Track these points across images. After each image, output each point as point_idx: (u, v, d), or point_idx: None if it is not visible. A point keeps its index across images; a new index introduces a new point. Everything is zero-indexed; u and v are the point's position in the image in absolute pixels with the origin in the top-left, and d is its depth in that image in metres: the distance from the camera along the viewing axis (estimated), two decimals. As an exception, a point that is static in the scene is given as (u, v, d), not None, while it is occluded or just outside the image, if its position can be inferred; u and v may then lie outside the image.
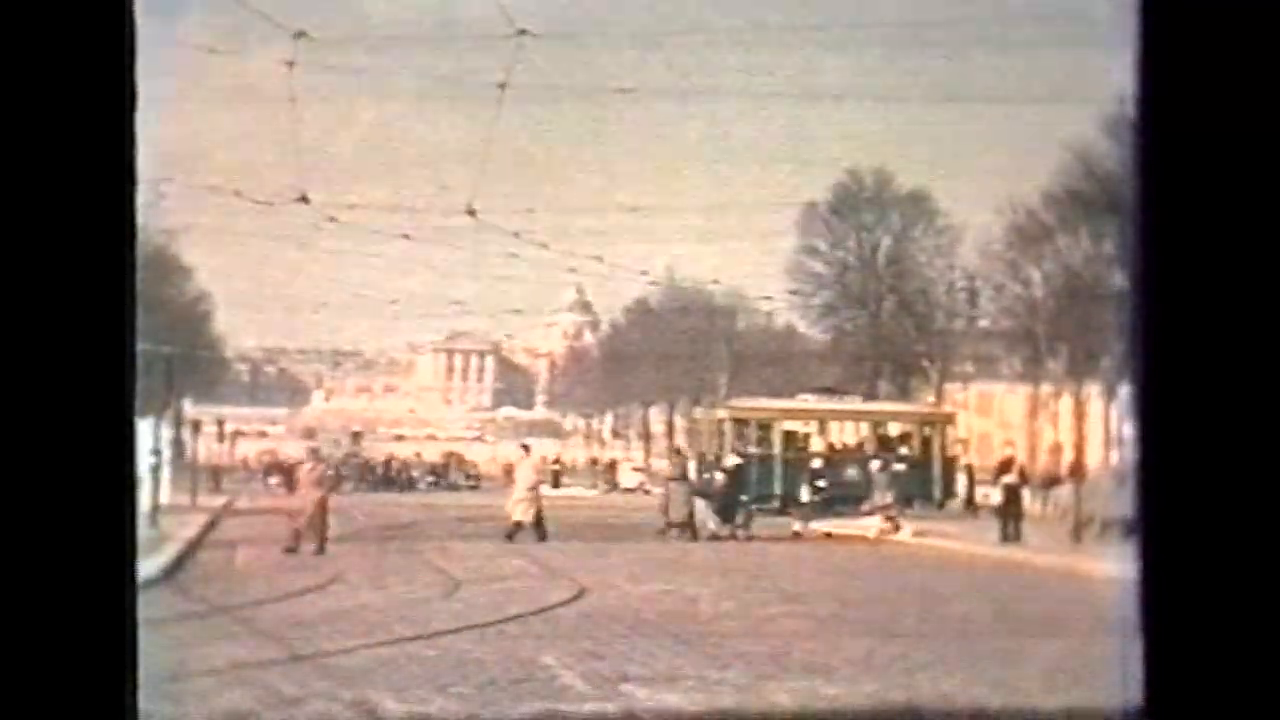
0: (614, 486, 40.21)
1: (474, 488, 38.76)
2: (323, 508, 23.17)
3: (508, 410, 46.31)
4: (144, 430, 28.09)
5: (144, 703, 4.85)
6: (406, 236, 28.78)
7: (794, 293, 38.11)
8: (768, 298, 38.46)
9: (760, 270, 36.67)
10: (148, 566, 18.85)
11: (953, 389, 39.18)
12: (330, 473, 29.16)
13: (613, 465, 42.09)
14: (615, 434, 45.06)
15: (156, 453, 26.16)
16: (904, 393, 38.33)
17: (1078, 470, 30.28)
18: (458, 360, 45.94)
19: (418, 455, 41.20)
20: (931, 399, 37.84)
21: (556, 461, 42.09)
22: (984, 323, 38.89)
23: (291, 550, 22.21)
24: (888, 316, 38.43)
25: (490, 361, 45.84)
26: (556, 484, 40.06)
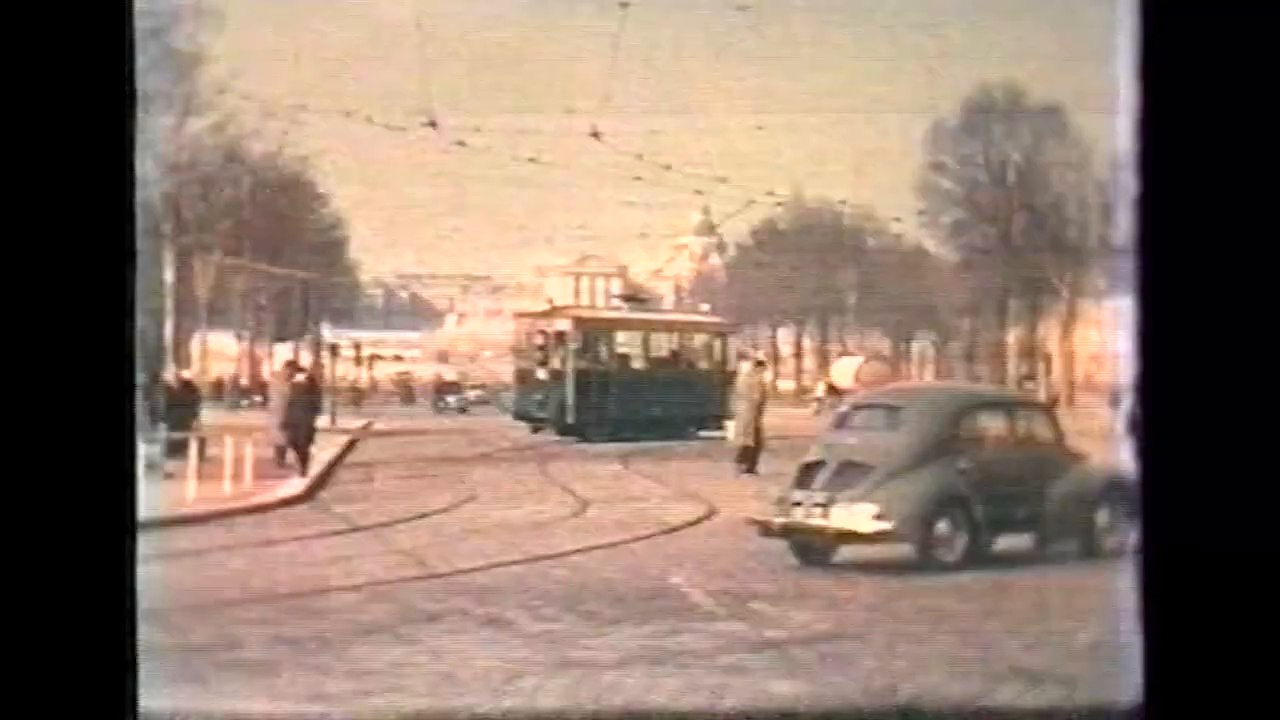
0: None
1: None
2: (309, 424, 21.16)
3: (636, 333, 46.36)
4: (284, 354, 28.79)
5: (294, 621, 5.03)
6: (533, 160, 28.89)
7: (922, 212, 37.62)
8: (897, 219, 37.99)
9: (891, 187, 36.23)
10: (291, 486, 19.45)
11: (1086, 305, 38.53)
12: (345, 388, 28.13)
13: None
14: (741, 356, 44.96)
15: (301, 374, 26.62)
16: (1034, 310, 37.84)
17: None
18: (584, 283, 46.04)
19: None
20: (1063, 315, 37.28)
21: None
22: (1119, 239, 38.11)
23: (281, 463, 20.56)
24: (1018, 234, 37.85)
25: (617, 285, 45.99)
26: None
